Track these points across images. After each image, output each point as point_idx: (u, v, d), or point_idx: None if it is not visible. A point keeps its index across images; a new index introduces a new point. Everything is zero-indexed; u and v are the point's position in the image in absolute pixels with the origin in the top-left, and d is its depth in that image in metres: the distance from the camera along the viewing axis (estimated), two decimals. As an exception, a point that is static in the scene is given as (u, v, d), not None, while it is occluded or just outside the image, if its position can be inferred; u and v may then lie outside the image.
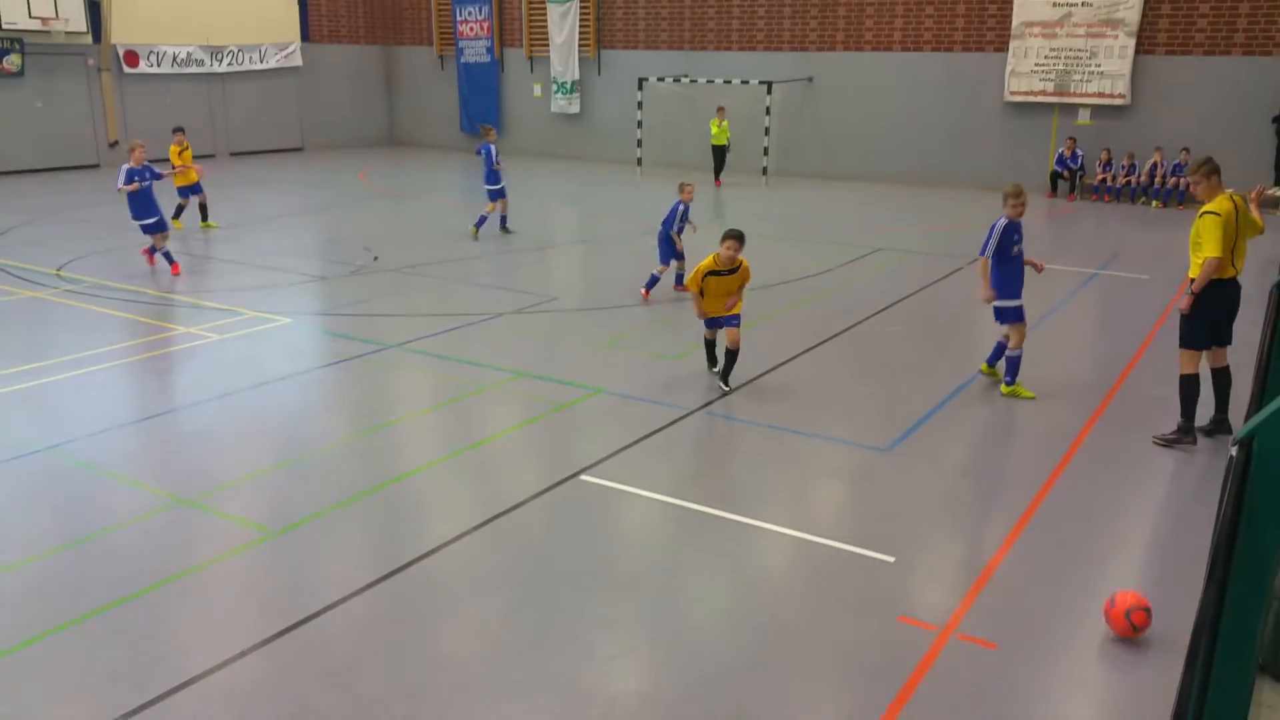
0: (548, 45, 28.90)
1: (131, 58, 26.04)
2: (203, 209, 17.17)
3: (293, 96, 29.88)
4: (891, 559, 5.90)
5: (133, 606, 5.39)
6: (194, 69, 27.40)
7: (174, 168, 16.49)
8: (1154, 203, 21.11)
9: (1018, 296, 8.72)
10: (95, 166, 25.46)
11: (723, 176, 24.07)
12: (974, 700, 4.66)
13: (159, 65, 26.65)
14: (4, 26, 23.14)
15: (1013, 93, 22.88)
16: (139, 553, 6.02)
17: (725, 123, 23.81)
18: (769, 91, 24.34)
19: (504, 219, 16.72)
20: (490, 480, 7.21)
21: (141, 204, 13.40)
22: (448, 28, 30.85)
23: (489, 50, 30.03)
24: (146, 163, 13.60)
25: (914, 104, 23.99)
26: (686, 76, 26.23)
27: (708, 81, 25.76)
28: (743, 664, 4.92)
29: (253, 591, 5.65)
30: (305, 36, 30.05)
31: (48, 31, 23.91)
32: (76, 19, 24.42)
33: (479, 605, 5.51)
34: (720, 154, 23.92)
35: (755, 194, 22.80)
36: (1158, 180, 21.11)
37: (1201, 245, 7.29)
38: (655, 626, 5.28)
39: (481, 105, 30.64)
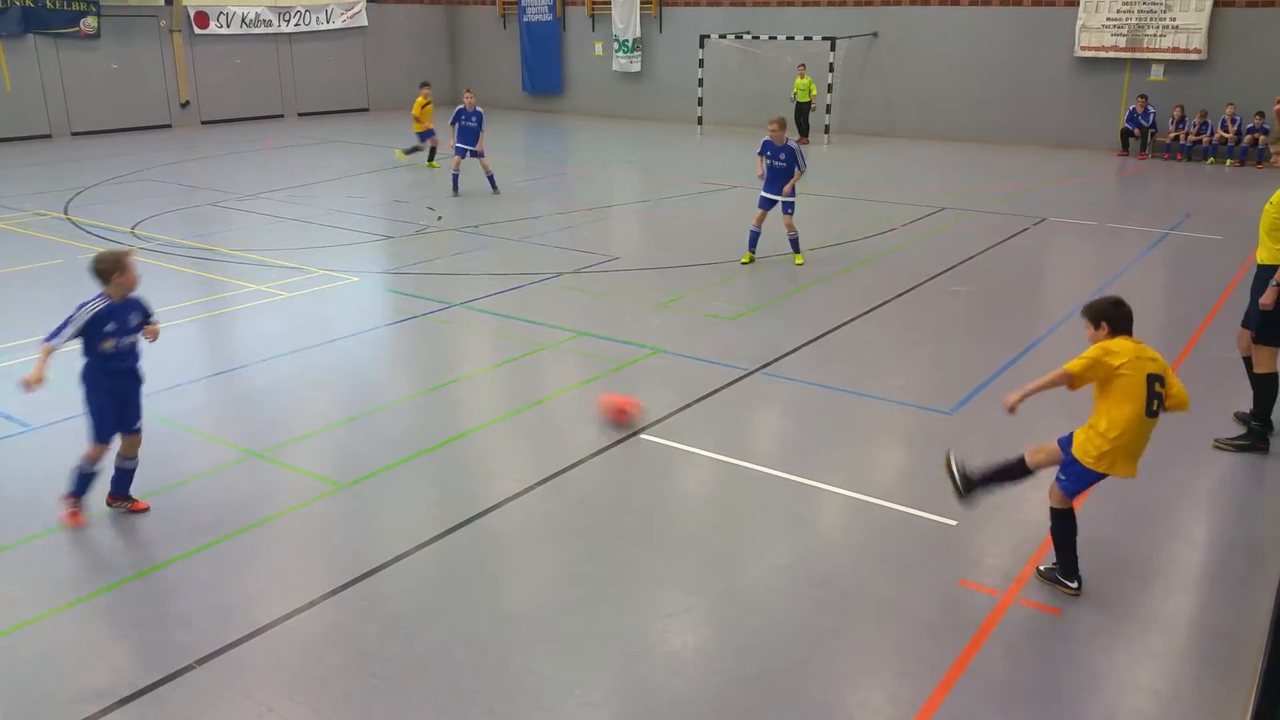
0: (609, 3, 28.65)
1: (202, 19, 26.45)
2: (432, 152, 19.53)
3: (359, 57, 30.12)
4: (954, 523, 5.86)
5: (208, 555, 5.59)
6: (262, 29, 27.75)
7: (415, 117, 19.16)
8: (1228, 161, 20.28)
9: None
10: (167, 126, 26.01)
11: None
12: (1036, 666, 4.63)
13: (228, 26, 27.04)
14: (79, -11, 23.66)
15: (1083, 48, 22.10)
16: (214, 504, 6.22)
17: (808, 79, 23.50)
18: (832, 48, 23.85)
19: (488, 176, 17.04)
20: (551, 438, 7.29)
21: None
22: (509, -14, 30.75)
23: (551, 9, 29.87)
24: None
25: (982, 60, 23.33)
26: (749, 33, 25.83)
27: (770, 38, 25.33)
28: (801, 623, 4.95)
29: (322, 543, 5.82)
30: (370, -4, 30.27)
31: (120, -6, 24.38)
32: (149, -19, 24.87)
33: (540, 560, 5.61)
34: (804, 112, 23.61)
35: (816, 152, 22.45)
36: (1231, 137, 20.24)
37: None
38: (714, 584, 5.32)
39: (543, 65, 30.56)
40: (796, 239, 11.96)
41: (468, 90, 17.79)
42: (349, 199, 16.52)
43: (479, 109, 16.66)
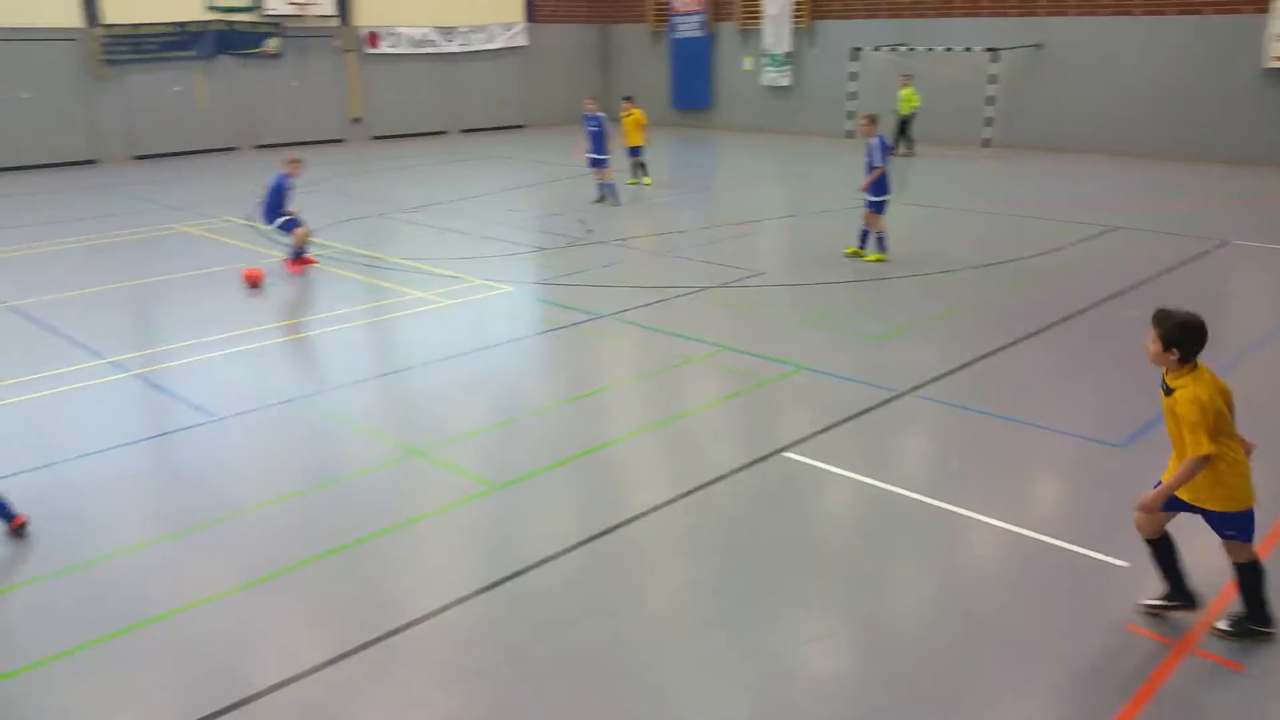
0: (760, 18, 28.62)
1: (373, 39, 27.91)
2: (642, 167, 19.24)
3: (516, 75, 31.12)
4: (1125, 564, 5.52)
5: (368, 547, 5.87)
6: (428, 49, 29.05)
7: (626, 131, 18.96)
8: None
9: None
10: (341, 141, 27.52)
11: (918, 148, 23.34)
12: (1210, 721, 4.32)
13: (397, 46, 28.44)
14: (267, 12, 25.37)
15: (1275, 58, 20.59)
16: (375, 498, 6.54)
17: (910, 90, 23.11)
18: (994, 59, 23.07)
19: (609, 186, 17.21)
20: (693, 452, 7.32)
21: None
22: (662, 4, 31.11)
23: (702, 25, 30.07)
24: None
25: (1157, 71, 22.06)
26: (905, 45, 25.29)
27: (927, 50, 24.73)
28: (949, 658, 4.79)
29: (474, 541, 6.03)
30: (530, 17, 31.21)
31: (302, 16, 26.00)
32: (327, 3, 26.42)
33: (681, 572, 5.64)
34: (906, 124, 23.13)
35: (973, 166, 21.75)
36: None
37: None
38: (857, 610, 5.22)
39: (693, 80, 30.79)
40: (867, 235, 12.57)
41: (589, 98, 18.08)
42: (506, 212, 17.06)
43: (598, 114, 17.04)
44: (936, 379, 8.54)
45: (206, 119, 25.13)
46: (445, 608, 5.22)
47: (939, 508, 6.25)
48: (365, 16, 27.65)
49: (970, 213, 15.98)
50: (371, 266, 13.03)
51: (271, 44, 25.88)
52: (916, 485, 6.58)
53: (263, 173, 21.68)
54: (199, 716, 4.39)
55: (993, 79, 23.23)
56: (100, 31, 23.04)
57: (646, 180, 19.14)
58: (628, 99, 18.84)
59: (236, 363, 9.23)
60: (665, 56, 31.54)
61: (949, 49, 24.17)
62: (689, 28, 30.46)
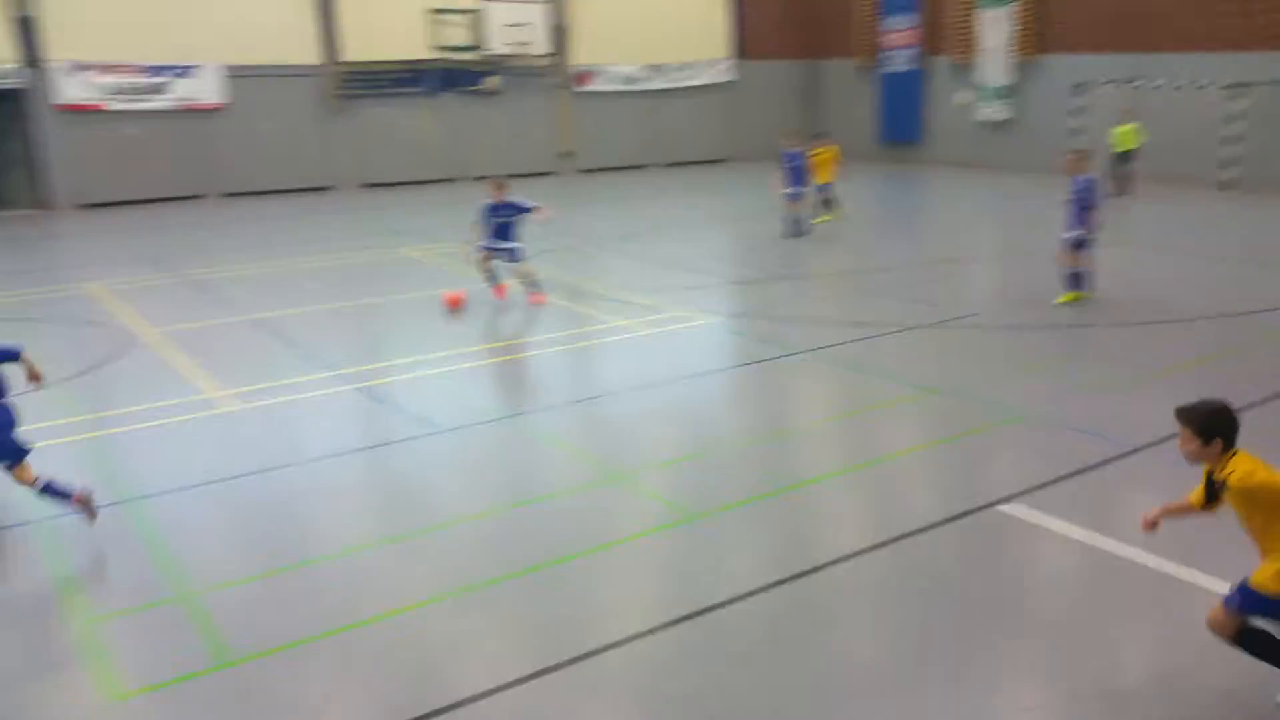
0: (976, 51, 27.70)
1: (584, 77, 29.01)
2: (828, 204, 18.91)
3: (720, 110, 31.50)
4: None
5: (568, 567, 5.97)
6: (636, 86, 29.90)
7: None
8: None
9: None
10: (550, 174, 28.68)
11: (1144, 187, 21.77)
12: None
13: (607, 83, 29.43)
14: (487, 52, 26.88)
15: None
16: (576, 518, 6.67)
17: (1130, 127, 21.52)
18: (1234, 96, 21.29)
19: (802, 219, 17.01)
20: (896, 498, 7.04)
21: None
22: (871, 39, 30.70)
23: (914, 58, 29.43)
24: None
25: None
26: (1135, 80, 23.77)
27: (1156, 86, 23.15)
28: (1188, 740, 4.34)
29: (669, 569, 6.03)
30: (739, 53, 31.59)
31: (519, 56, 27.36)
32: (543, 44, 27.70)
33: (884, 622, 5.41)
34: (1123, 161, 21.57)
35: (1210, 208, 20.08)
36: None
37: None
38: (1078, 681, 4.82)
39: (903, 114, 30.14)
40: (1078, 276, 11.76)
41: (786, 133, 17.98)
42: (706, 244, 17.21)
43: (796, 150, 17.01)
44: (1170, 436, 7.86)
45: (429, 151, 26.82)
46: (643, 634, 5.23)
47: (1175, 575, 5.72)
48: (579, 55, 28.78)
49: (1208, 259, 14.74)
50: (575, 294, 13.43)
51: (491, 82, 27.36)
52: (1148, 548, 6.04)
53: (477, 202, 22.90)
54: (406, 718, 4.57)
55: (1233, 117, 21.43)
56: (338, 68, 25.08)
57: (833, 216, 18.77)
58: (818, 136, 18.70)
59: (453, 380, 9.71)
60: (873, 91, 31.06)
61: (1177, 86, 22.52)
62: (900, 61, 29.89)
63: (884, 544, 6.19)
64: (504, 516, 6.73)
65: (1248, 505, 4.15)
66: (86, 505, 6.38)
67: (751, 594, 5.60)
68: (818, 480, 7.32)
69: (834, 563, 5.98)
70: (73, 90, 21.98)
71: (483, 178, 26.69)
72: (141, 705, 4.75)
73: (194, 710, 4.69)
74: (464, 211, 21.10)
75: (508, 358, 10.73)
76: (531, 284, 12.67)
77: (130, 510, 6.82)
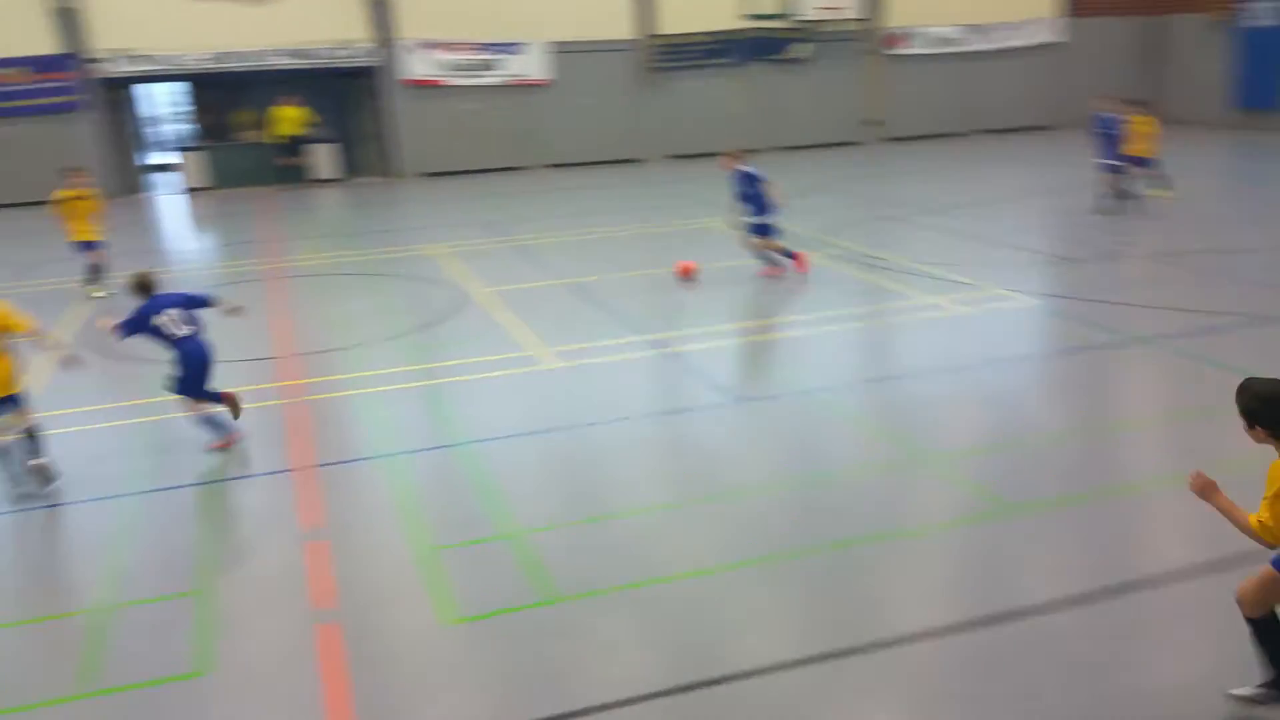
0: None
1: (897, 40, 27.92)
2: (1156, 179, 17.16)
3: (1045, 73, 29.18)
4: None
5: (863, 551, 5.85)
6: (951, 48, 28.37)
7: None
8: None
9: None
10: (855, 143, 27.99)
11: None
12: None
13: (920, 46, 28.16)
14: (797, 19, 26.57)
15: None
16: (874, 500, 6.52)
17: None
18: None
19: (1123, 194, 15.17)
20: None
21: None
22: (1236, -13, 27.06)
23: (1287, 10, 25.62)
24: None
25: None
26: None
27: None
28: None
29: (973, 565, 5.73)
30: (1072, 10, 29.09)
31: (829, 21, 26.77)
32: (856, 7, 26.91)
33: (1222, 649, 4.83)
34: None
35: None
36: None
37: None
38: None
39: (1266, 76, 26.40)
40: None
41: (1103, 97, 16.19)
42: (1026, 217, 16.09)
43: (1112, 115, 15.44)
44: None
45: (734, 121, 27.04)
46: (941, 630, 5.02)
47: None
48: (893, 17, 27.75)
49: None
50: (879, 269, 13.05)
51: (800, 49, 27.05)
52: None
53: (779, 171, 22.86)
54: (677, 684, 4.67)
55: None
56: (652, 42, 25.84)
57: (1165, 193, 16.68)
58: (1138, 103, 16.72)
59: (753, 350, 9.80)
60: (1228, 50, 27.44)
61: None
62: (1268, 15, 26.14)
63: (1220, 566, 5.52)
64: (801, 491, 6.71)
65: None
66: (227, 445, 7.67)
67: (1071, 603, 5.21)
68: (1147, 485, 6.65)
69: (1162, 579, 5.42)
70: (418, 67, 24.26)
71: (786, 148, 26.78)
72: (470, 631, 5.23)
73: (517, 640, 5.10)
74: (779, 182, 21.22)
75: (808, 331, 10.64)
76: (768, 258, 12.44)
77: (460, 453, 7.51)
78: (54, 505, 6.93)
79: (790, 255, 12.57)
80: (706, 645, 4.99)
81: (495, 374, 9.36)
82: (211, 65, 22.81)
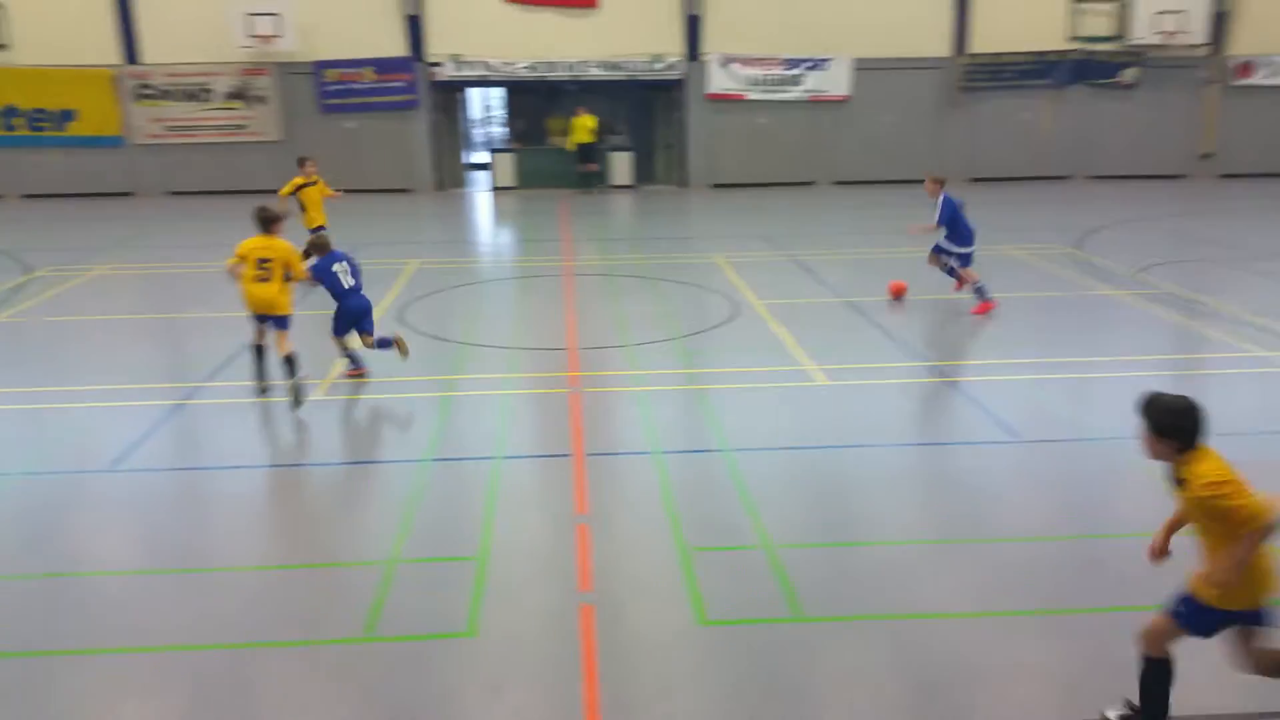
0: None
1: (1245, 69, 25.07)
2: None
3: None
4: None
5: (1140, 619, 5.27)
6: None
7: None
8: None
9: None
10: (1182, 177, 25.45)
11: None
12: None
13: (1270, 76, 25.10)
14: (1130, 42, 24.53)
15: None
16: (1166, 566, 5.87)
17: None
18: None
19: None
20: None
21: None
22: None
23: None
24: None
25: None
26: None
27: None
28: None
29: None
30: None
31: (1167, 46, 24.48)
32: (1198, 32, 24.45)
33: None
34: None
35: None
36: None
37: None
38: None
39: None
40: None
41: None
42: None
43: None
44: None
45: (1043, 146, 25.42)
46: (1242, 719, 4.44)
47: None
48: (1238, 45, 24.94)
49: None
50: (1198, 314, 11.75)
51: (1128, 74, 24.97)
52: None
53: (1092, 202, 21.22)
54: None
55: None
56: (964, 60, 24.81)
57: None
58: None
59: (1042, 389, 9.14)
60: None
61: None
62: None
63: None
64: (1082, 546, 6.17)
65: (1206, 517, 3.97)
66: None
67: None
68: None
69: None
70: (721, 81, 24.78)
71: (1101, 177, 24.79)
72: (715, 635, 5.25)
73: (760, 652, 5.06)
74: (1077, 212, 19.76)
75: (1106, 373, 9.75)
76: (973, 289, 11.92)
77: (722, 459, 7.58)
78: (369, 462, 7.74)
79: (966, 283, 12.08)
80: (962, 692, 4.71)
81: (763, 385, 9.36)
82: (530, 73, 24.52)
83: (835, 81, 24.89)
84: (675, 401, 9.18)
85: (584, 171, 24.79)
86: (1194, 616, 4.09)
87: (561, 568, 5.96)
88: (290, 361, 8.60)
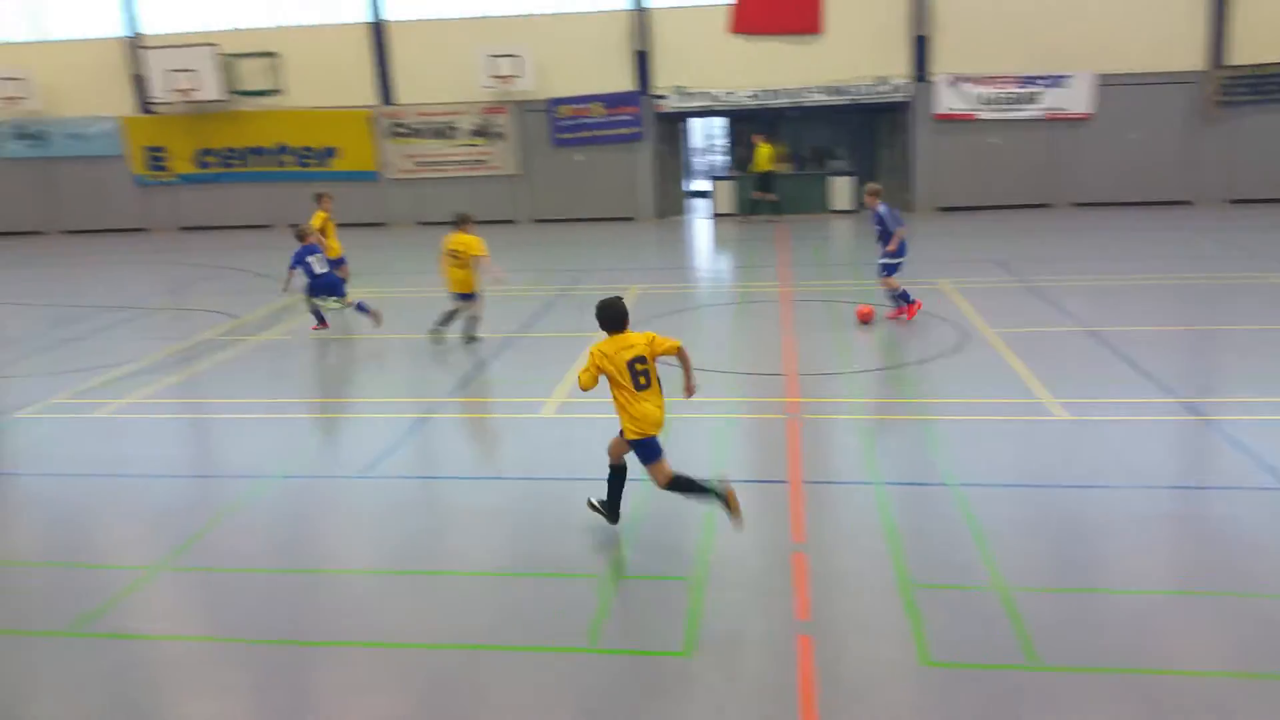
0: None
1: None
2: None
3: None
4: None
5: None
6: None
7: None
8: None
9: None
10: None
11: None
12: None
13: None
14: None
15: None
16: None
17: None
18: None
19: None
20: None
21: None
22: None
23: None
24: None
25: None
26: None
27: None
28: None
29: None
30: None
31: None
32: None
33: None
34: None
35: None
36: None
37: None
38: None
39: None
40: None
41: None
42: None
43: None
44: None
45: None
46: None
47: None
48: None
49: None
50: None
51: None
52: None
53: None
54: None
55: None
56: (1220, 73, 22.74)
57: None
58: None
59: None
60: None
61: None
62: None
63: None
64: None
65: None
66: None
67: None
68: None
69: None
70: (949, 101, 23.92)
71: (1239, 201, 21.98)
72: (946, 677, 5.03)
73: (991, 699, 4.80)
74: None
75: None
76: (893, 298, 12.67)
77: (948, 494, 7.26)
78: (593, 479, 8.02)
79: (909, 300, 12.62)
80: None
81: (994, 417, 8.92)
82: (752, 101, 24.67)
83: (1075, 98, 23.47)
84: (898, 431, 8.91)
85: (757, 199, 24.52)
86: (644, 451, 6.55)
87: (778, 595, 5.92)
88: (474, 320, 12.26)
